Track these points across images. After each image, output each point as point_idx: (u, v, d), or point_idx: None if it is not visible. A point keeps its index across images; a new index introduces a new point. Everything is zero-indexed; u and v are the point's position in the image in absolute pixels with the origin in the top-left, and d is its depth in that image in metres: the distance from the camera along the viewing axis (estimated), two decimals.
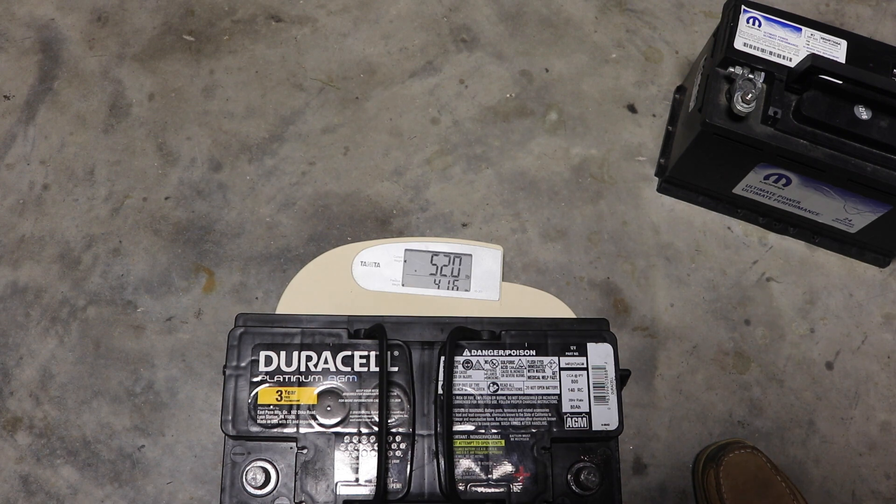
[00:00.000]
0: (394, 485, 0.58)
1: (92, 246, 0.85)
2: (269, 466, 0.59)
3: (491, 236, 0.87)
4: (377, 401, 0.60)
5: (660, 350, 0.83)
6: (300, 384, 0.60)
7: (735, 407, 0.82)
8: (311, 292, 0.74)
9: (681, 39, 0.98)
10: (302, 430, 0.59)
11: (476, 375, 0.61)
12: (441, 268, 0.76)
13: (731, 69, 0.76)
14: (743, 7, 0.78)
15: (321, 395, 0.60)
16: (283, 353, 0.61)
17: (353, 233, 0.87)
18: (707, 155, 0.81)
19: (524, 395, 0.61)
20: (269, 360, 0.61)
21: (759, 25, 0.78)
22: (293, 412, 0.59)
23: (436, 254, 0.76)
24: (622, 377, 0.62)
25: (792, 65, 0.76)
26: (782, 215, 0.86)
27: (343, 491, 0.58)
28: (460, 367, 0.61)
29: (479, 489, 0.59)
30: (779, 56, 0.77)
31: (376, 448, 0.59)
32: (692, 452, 0.80)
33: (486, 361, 0.62)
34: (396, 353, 0.61)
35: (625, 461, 0.79)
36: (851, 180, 0.75)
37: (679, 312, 0.85)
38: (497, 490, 0.59)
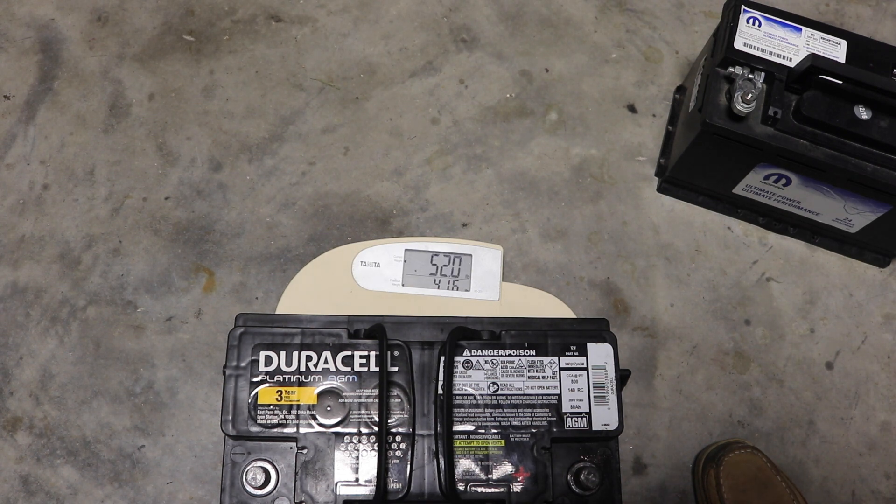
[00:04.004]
0: (394, 485, 0.58)
1: (92, 246, 0.85)
2: (269, 466, 0.59)
3: (491, 236, 0.87)
4: (377, 401, 0.60)
5: (660, 350, 0.83)
6: (300, 384, 0.60)
7: (735, 407, 0.82)
8: (311, 292, 0.74)
9: (681, 39, 0.98)
10: (302, 430, 0.59)
11: (476, 375, 0.61)
12: (441, 268, 0.76)
13: (731, 69, 0.76)
14: (743, 7, 0.78)
15: (321, 395, 0.60)
16: (283, 353, 0.61)
17: (353, 233, 0.87)
18: (707, 155, 0.81)
19: (524, 395, 0.61)
20: (269, 360, 0.61)
21: (759, 25, 0.78)
22: (293, 412, 0.59)
23: (436, 254, 0.76)
24: (622, 377, 0.62)
25: (792, 65, 0.76)
26: (782, 215, 0.86)
27: (343, 491, 0.58)
28: (460, 367, 0.61)
29: (479, 489, 0.59)
30: (779, 56, 0.77)
31: (376, 448, 0.59)
32: (692, 452, 0.80)
33: (486, 361, 0.62)
34: (396, 353, 0.61)
35: (625, 461, 0.79)
36: (851, 180, 0.75)
37: (679, 312, 0.85)
38: (497, 490, 0.59)
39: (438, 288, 0.75)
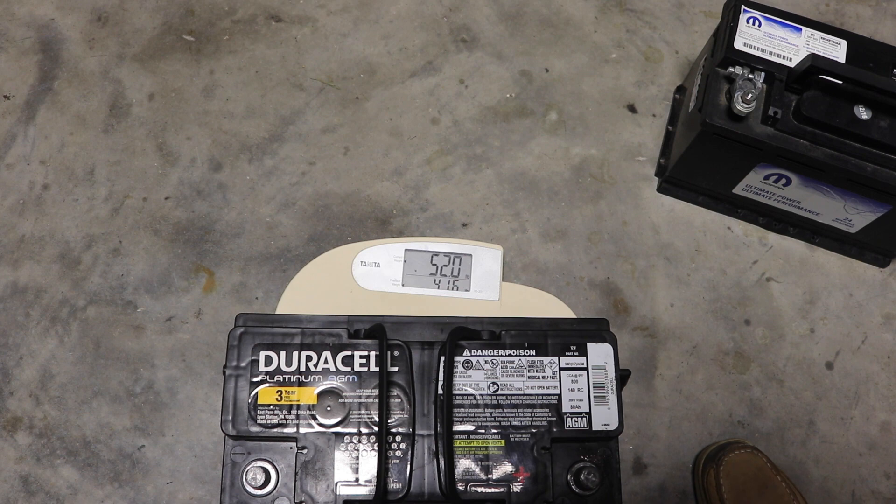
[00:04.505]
0: (394, 485, 0.58)
1: (92, 246, 0.85)
2: (269, 466, 0.59)
3: (491, 236, 0.87)
4: (377, 401, 0.60)
5: (660, 350, 0.83)
6: (300, 384, 0.60)
7: (735, 407, 0.82)
8: (311, 292, 0.74)
9: (681, 39, 0.98)
10: (302, 430, 0.59)
11: (476, 375, 0.61)
12: (441, 268, 0.76)
13: (731, 69, 0.76)
14: (743, 7, 0.78)
15: (321, 395, 0.60)
16: (283, 353, 0.61)
17: (353, 233, 0.87)
18: (707, 155, 0.81)
19: (524, 395, 0.61)
20: (269, 360, 0.61)
21: (759, 25, 0.78)
22: (293, 412, 0.59)
23: (436, 254, 0.76)
24: (622, 377, 0.62)
25: (792, 65, 0.76)
26: (782, 215, 0.86)
27: (343, 491, 0.58)
28: (460, 367, 0.61)
29: (479, 489, 0.59)
30: (779, 56, 0.77)
31: (376, 448, 0.59)
32: (692, 452, 0.80)
33: (486, 361, 0.62)
34: (396, 353, 0.61)
35: (625, 461, 0.79)
36: (851, 180, 0.75)
37: (679, 312, 0.85)
38: (497, 490, 0.59)
39: (438, 288, 0.75)
